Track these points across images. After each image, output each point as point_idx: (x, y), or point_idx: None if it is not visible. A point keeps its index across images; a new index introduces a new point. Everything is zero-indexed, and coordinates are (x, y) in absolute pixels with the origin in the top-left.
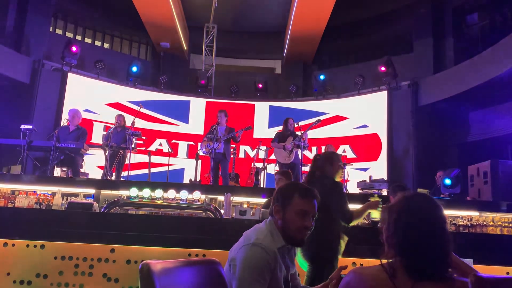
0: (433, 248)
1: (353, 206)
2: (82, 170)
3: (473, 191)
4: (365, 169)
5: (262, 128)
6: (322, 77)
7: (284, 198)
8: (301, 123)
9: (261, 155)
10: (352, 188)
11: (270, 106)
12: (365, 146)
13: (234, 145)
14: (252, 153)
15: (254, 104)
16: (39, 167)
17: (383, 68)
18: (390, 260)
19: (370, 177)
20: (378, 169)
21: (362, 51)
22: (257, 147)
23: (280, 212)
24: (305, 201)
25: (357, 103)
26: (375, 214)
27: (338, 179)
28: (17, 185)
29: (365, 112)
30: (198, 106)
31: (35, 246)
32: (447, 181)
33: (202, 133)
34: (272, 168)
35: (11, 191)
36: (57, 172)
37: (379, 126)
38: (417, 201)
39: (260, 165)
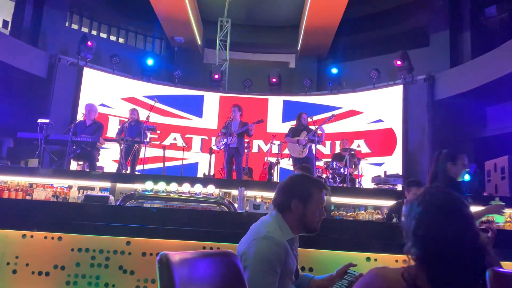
0: (462, 257)
1: (374, 202)
2: (97, 163)
3: (490, 186)
4: (379, 164)
5: (276, 123)
6: (335, 70)
7: (303, 194)
8: (315, 117)
9: (275, 149)
10: (366, 183)
11: (284, 101)
12: (380, 141)
13: (247, 140)
14: (265, 148)
15: (267, 99)
16: (56, 160)
17: (398, 62)
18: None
19: (385, 172)
20: (393, 164)
21: (378, 44)
22: (271, 142)
23: (299, 207)
24: (322, 195)
25: (372, 98)
26: (499, 219)
27: (460, 178)
28: (34, 178)
29: (380, 107)
30: (212, 100)
31: (52, 238)
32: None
33: (215, 127)
34: (286, 163)
35: (29, 184)
36: (74, 165)
37: (394, 121)
38: (438, 202)
39: (273, 159)
